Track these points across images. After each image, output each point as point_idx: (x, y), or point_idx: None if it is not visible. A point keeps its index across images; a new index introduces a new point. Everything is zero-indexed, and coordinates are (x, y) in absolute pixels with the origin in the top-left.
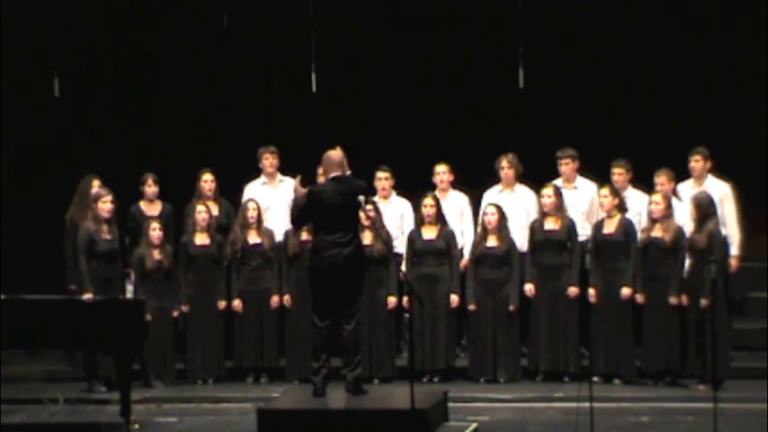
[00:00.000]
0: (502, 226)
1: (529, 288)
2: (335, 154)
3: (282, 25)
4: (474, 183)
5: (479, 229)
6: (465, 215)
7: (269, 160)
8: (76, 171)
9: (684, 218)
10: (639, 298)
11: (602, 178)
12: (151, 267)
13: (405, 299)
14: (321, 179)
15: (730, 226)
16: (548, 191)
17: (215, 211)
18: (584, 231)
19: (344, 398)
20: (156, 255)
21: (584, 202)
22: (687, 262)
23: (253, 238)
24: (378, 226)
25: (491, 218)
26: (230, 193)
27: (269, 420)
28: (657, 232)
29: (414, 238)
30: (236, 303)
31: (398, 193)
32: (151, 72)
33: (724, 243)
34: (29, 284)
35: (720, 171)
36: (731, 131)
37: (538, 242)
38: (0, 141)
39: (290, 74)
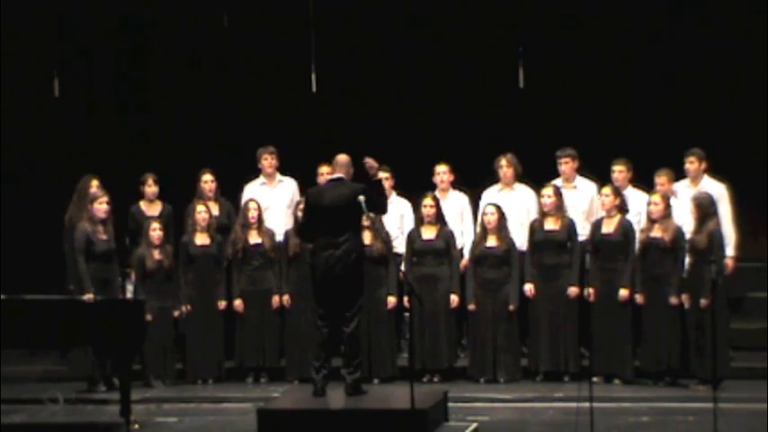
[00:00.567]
0: (501, 226)
1: (529, 288)
2: (341, 157)
3: (282, 25)
4: (474, 183)
5: (479, 229)
6: (465, 215)
7: (268, 161)
8: (76, 171)
9: (682, 217)
10: (639, 298)
11: (602, 178)
12: (151, 267)
13: (405, 299)
14: (321, 179)
15: (725, 226)
16: (548, 191)
17: (215, 211)
18: (583, 231)
19: (344, 398)
20: (157, 255)
21: (583, 201)
22: (687, 261)
23: (254, 238)
24: (377, 226)
25: (490, 218)
26: (230, 193)
27: (269, 420)
28: (657, 232)
29: (413, 237)
30: (237, 303)
31: (398, 193)
32: (151, 72)
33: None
34: (29, 284)
35: (721, 171)
36: (731, 132)
37: (538, 242)
38: (0, 141)
39: (290, 74)
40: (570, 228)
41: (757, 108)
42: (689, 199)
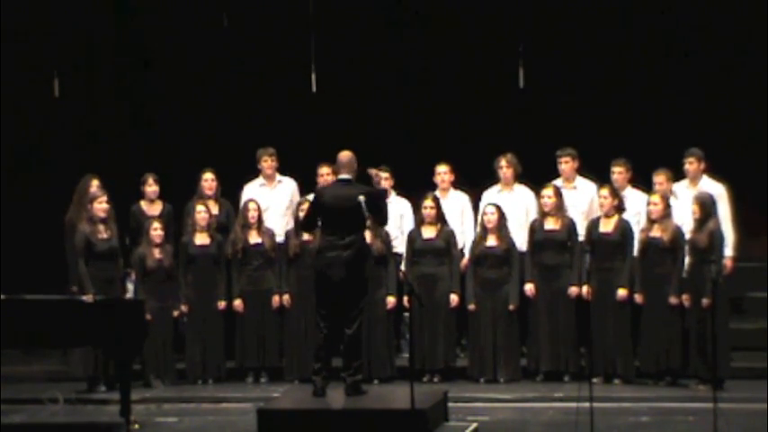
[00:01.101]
0: (501, 226)
1: (529, 288)
2: (343, 155)
3: (282, 25)
4: (474, 183)
5: (479, 229)
6: (466, 215)
7: (267, 162)
8: (76, 171)
9: (681, 217)
10: (638, 298)
11: (602, 178)
12: (152, 267)
13: (405, 298)
14: (320, 179)
15: (724, 227)
16: (548, 191)
17: (215, 210)
18: (583, 231)
19: (344, 398)
20: (157, 254)
21: (583, 201)
22: (687, 261)
23: (254, 238)
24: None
25: (490, 217)
26: (230, 193)
27: (269, 420)
28: (656, 232)
29: (413, 237)
30: (237, 303)
31: (398, 193)
32: (151, 72)
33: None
34: (29, 284)
35: (720, 171)
36: (731, 132)
37: (538, 242)
38: (0, 141)
39: (290, 74)
40: (570, 228)
41: (757, 108)
42: (691, 199)
